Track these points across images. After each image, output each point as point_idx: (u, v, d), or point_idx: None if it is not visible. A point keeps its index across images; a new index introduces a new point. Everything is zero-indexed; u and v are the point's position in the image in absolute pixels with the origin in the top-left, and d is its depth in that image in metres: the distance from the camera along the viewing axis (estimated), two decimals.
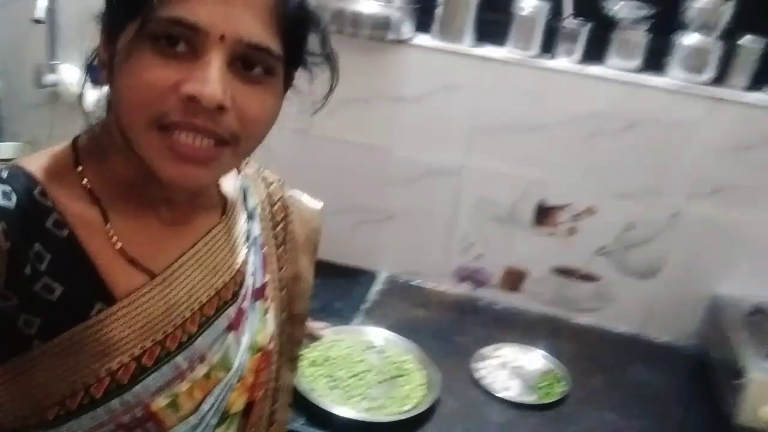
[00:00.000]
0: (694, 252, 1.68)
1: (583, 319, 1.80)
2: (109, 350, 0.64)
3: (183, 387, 0.69)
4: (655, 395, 1.53)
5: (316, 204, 0.95)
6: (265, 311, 0.82)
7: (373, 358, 1.47)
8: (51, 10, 1.75)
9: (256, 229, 0.83)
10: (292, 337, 0.91)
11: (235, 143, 0.64)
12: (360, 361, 1.45)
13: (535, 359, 1.59)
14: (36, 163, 0.67)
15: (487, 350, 1.59)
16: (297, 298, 0.90)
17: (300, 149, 1.82)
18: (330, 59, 0.74)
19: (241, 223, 0.81)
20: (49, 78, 1.83)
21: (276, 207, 0.88)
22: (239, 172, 0.84)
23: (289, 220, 0.89)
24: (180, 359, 0.69)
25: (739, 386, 1.36)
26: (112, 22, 0.64)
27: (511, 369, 1.55)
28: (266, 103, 0.65)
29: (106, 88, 0.69)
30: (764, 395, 1.34)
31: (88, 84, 1.75)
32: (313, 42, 0.71)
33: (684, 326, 1.73)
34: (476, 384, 1.48)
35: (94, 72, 1.87)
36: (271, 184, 0.89)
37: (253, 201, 0.84)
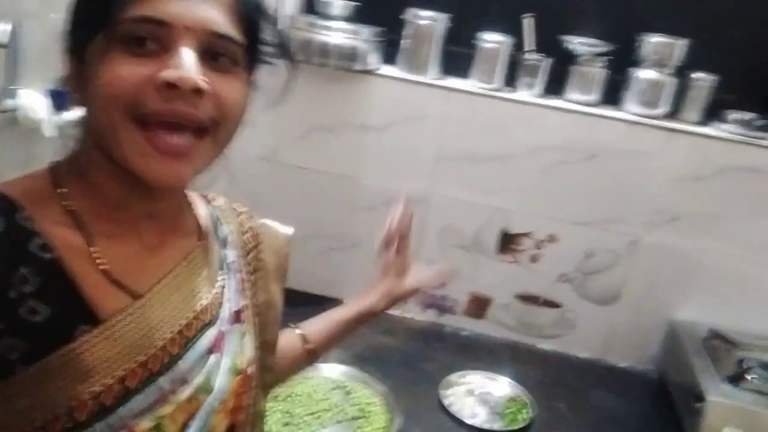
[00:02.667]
0: (652, 279, 1.73)
1: (547, 345, 1.83)
2: (93, 372, 0.64)
3: (167, 410, 0.69)
4: (617, 419, 1.56)
5: (287, 230, 0.96)
6: (243, 335, 0.82)
7: (338, 397, 1.46)
8: (14, 35, 1.72)
9: (231, 255, 0.84)
10: (264, 364, 0.90)
11: (214, 130, 0.66)
12: (322, 400, 1.44)
13: (500, 386, 1.61)
14: (16, 188, 0.66)
15: (453, 377, 1.60)
16: (268, 325, 0.90)
17: (266, 176, 1.83)
18: (285, 49, 0.77)
19: (216, 250, 0.82)
20: (9, 103, 1.79)
21: (246, 236, 0.89)
22: (209, 203, 0.86)
23: (260, 249, 0.90)
24: (163, 381, 0.69)
25: (699, 409, 1.40)
26: (78, 37, 0.66)
27: (478, 396, 1.56)
28: (238, 89, 0.68)
29: (76, 111, 0.69)
30: (723, 418, 1.38)
31: (50, 110, 1.72)
32: (270, 34, 0.74)
33: (643, 351, 1.77)
34: (444, 411, 1.49)
35: (56, 98, 1.83)
36: (241, 214, 0.91)
37: (226, 229, 0.86)
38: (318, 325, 1.08)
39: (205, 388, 0.73)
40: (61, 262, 0.64)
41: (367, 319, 1.10)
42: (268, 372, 0.91)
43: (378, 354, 1.64)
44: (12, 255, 0.62)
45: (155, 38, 0.62)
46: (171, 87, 0.61)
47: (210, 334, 0.75)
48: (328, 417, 1.40)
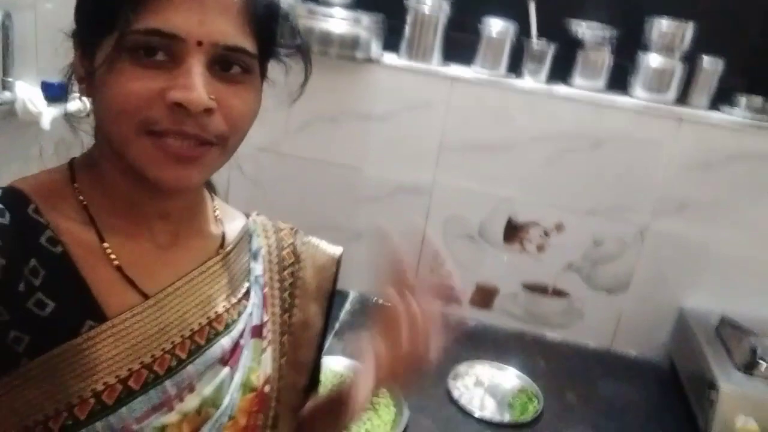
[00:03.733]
0: (660, 267, 1.71)
1: (554, 335, 1.81)
2: (95, 370, 0.63)
3: (172, 418, 0.67)
4: (627, 409, 1.55)
5: (334, 250, 0.91)
6: (263, 351, 0.79)
7: None
8: (5, 26, 1.69)
9: (258, 269, 0.82)
10: (294, 386, 0.86)
11: (222, 142, 0.66)
12: None
13: (508, 377, 1.59)
14: (29, 183, 0.67)
15: (461, 368, 1.58)
16: (303, 346, 0.87)
17: (268, 168, 1.80)
18: (302, 49, 0.75)
19: (244, 261, 0.80)
20: (4, 95, 1.76)
21: (285, 252, 0.86)
22: (248, 217, 0.85)
23: (299, 267, 0.87)
24: (168, 384, 0.67)
25: (712, 398, 1.38)
26: (87, 38, 0.65)
27: (487, 387, 1.54)
28: (248, 100, 0.67)
29: (79, 102, 0.70)
30: (736, 407, 1.36)
31: (46, 102, 1.68)
32: (284, 35, 0.72)
33: (652, 340, 1.75)
34: (452, 402, 1.47)
35: (51, 90, 1.80)
36: (282, 230, 0.88)
37: (258, 243, 0.84)
38: (309, 408, 0.89)
39: (214, 402, 0.71)
40: (71, 256, 0.64)
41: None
42: (300, 395, 0.87)
43: None
44: (23, 247, 0.62)
45: (166, 50, 0.61)
46: (180, 106, 0.61)
47: (223, 344, 0.73)
48: None
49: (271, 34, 0.69)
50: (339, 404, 0.81)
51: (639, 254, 1.71)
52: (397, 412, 1.40)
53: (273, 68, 0.73)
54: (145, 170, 0.63)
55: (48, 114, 1.67)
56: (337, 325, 1.70)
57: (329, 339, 1.63)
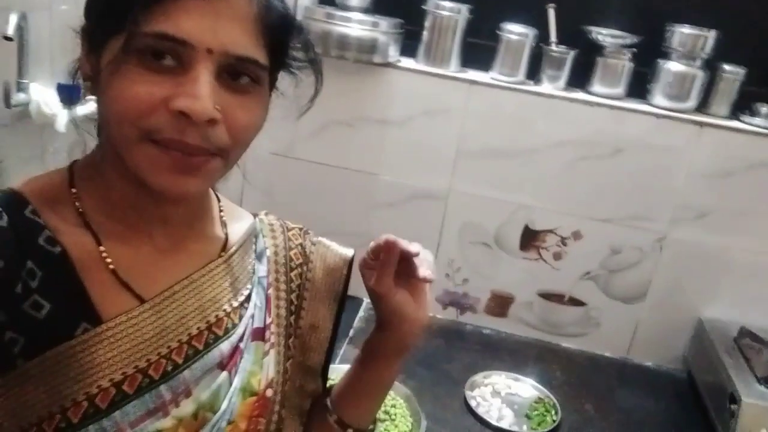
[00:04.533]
0: (679, 276, 1.69)
1: (571, 344, 1.80)
2: (89, 373, 0.62)
3: (167, 423, 0.66)
4: (647, 421, 1.53)
5: (345, 251, 0.88)
6: (264, 354, 0.78)
7: None
8: (21, 28, 1.67)
9: (262, 270, 0.81)
10: (302, 389, 0.85)
11: (224, 154, 0.64)
12: None
13: (526, 387, 1.57)
14: (29, 186, 0.67)
15: (478, 378, 1.57)
16: (312, 349, 0.85)
17: (281, 173, 1.79)
18: (314, 63, 0.73)
19: (248, 262, 0.79)
20: (19, 97, 1.75)
21: (292, 252, 0.84)
22: (255, 217, 0.83)
23: (308, 268, 0.85)
24: (163, 388, 0.66)
25: (734, 411, 1.37)
26: (95, 36, 0.64)
27: (504, 397, 1.52)
28: (254, 112, 0.65)
29: (89, 103, 0.67)
30: (759, 420, 1.34)
31: (61, 105, 1.67)
32: (297, 48, 0.71)
33: (670, 350, 1.74)
34: (469, 412, 1.45)
35: (66, 92, 1.79)
36: (291, 230, 0.86)
37: (264, 243, 0.82)
38: (340, 390, 0.86)
39: (211, 406, 0.69)
40: (68, 257, 0.63)
41: (384, 351, 0.83)
42: (308, 398, 0.86)
43: None
44: (21, 249, 0.61)
45: (174, 55, 0.60)
46: (183, 115, 0.59)
47: (222, 348, 0.71)
48: None
49: (283, 46, 0.68)
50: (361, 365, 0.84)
51: (657, 263, 1.69)
52: (414, 423, 1.38)
53: (283, 78, 0.72)
54: (145, 176, 0.62)
55: (63, 116, 1.66)
56: (351, 332, 1.68)
57: (343, 346, 1.61)
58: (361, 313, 1.78)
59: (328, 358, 0.86)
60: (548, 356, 1.74)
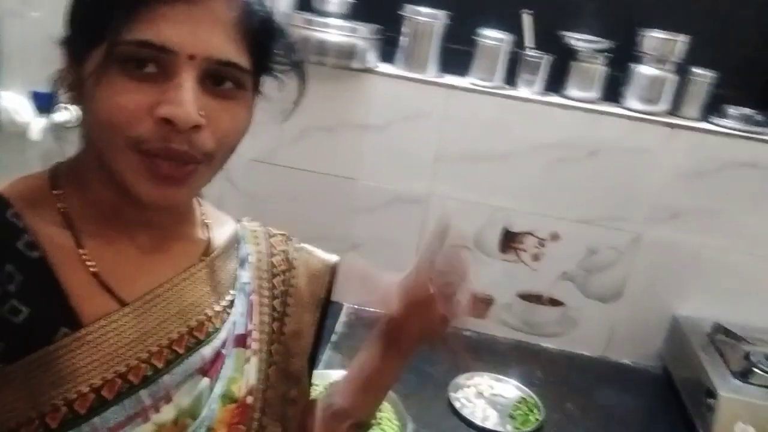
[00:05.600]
0: (653, 275, 1.73)
1: (550, 344, 1.83)
2: (68, 378, 0.62)
3: (147, 429, 0.66)
4: (627, 417, 1.57)
5: (329, 257, 0.89)
6: (246, 360, 0.78)
7: None
8: None
9: (245, 276, 0.81)
10: (284, 396, 0.84)
11: (209, 160, 0.65)
12: None
13: (508, 387, 1.59)
14: (11, 187, 0.66)
15: (461, 379, 1.58)
16: (295, 355, 0.85)
17: (263, 179, 1.78)
18: (297, 66, 0.74)
19: (231, 268, 0.79)
20: None
21: (276, 258, 0.85)
22: (238, 223, 0.83)
23: (291, 275, 0.85)
24: (143, 394, 0.66)
25: (711, 406, 1.40)
26: (76, 46, 0.64)
27: (488, 398, 1.54)
28: (239, 116, 0.66)
29: (66, 111, 0.70)
30: (735, 414, 1.38)
31: (34, 113, 1.64)
32: (280, 51, 0.72)
33: (647, 347, 1.78)
34: (455, 414, 1.47)
35: (42, 100, 1.76)
36: (273, 236, 0.87)
37: (247, 249, 0.82)
38: (343, 381, 0.89)
39: (191, 413, 0.69)
40: (47, 261, 0.63)
41: (396, 346, 0.87)
42: (292, 405, 0.85)
43: None
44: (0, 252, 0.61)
45: (157, 62, 0.60)
46: (169, 122, 0.60)
47: (204, 354, 0.71)
48: None
49: (266, 50, 0.69)
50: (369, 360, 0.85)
51: (633, 262, 1.73)
52: (400, 426, 1.39)
53: (266, 83, 0.72)
54: (130, 186, 0.63)
55: (37, 124, 1.63)
56: (334, 338, 1.69)
57: (326, 351, 1.62)
58: (343, 318, 1.78)
59: (311, 364, 0.87)
60: (529, 356, 1.76)
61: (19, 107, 1.70)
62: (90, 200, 0.68)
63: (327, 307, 0.87)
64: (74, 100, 0.65)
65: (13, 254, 0.61)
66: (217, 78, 0.63)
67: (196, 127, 0.61)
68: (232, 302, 0.76)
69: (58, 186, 0.68)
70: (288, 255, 0.85)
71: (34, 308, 0.61)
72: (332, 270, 0.88)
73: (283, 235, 0.88)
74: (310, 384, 0.88)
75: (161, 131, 0.60)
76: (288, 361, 0.84)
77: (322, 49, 1.65)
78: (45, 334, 0.61)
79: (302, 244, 0.88)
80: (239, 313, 0.77)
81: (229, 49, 0.62)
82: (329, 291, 0.88)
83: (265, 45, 0.68)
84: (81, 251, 0.65)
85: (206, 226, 0.78)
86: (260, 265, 0.83)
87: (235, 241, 0.81)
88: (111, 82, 0.59)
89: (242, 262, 0.81)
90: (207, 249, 0.76)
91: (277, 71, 0.72)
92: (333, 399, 0.86)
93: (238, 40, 0.63)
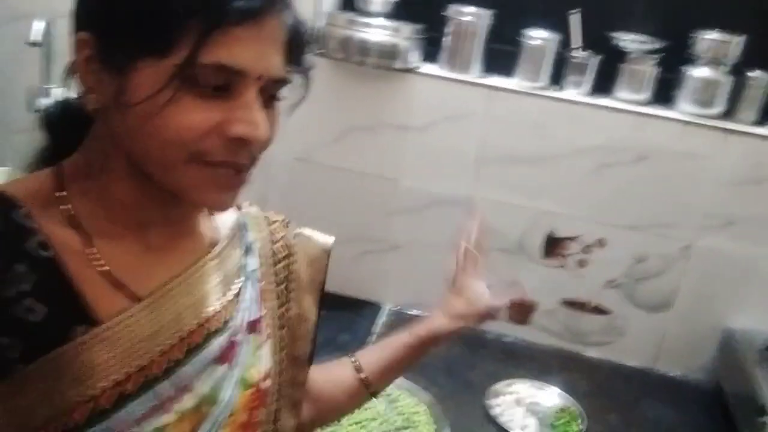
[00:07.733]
0: (705, 285, 1.66)
1: (594, 353, 1.77)
2: (89, 374, 0.62)
3: (170, 418, 0.67)
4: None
5: (325, 240, 0.91)
6: (259, 346, 0.79)
7: (382, 405, 1.40)
8: (47, 34, 1.69)
9: (253, 263, 0.82)
10: (294, 380, 0.87)
11: (254, 165, 0.68)
12: (367, 408, 1.37)
13: (549, 395, 1.55)
14: (18, 186, 0.67)
15: (499, 386, 1.55)
16: (299, 339, 0.87)
17: (303, 178, 1.78)
18: (308, 73, 0.75)
19: (237, 256, 0.80)
20: (43, 102, 1.76)
21: (277, 245, 0.86)
22: (239, 209, 0.84)
23: (292, 260, 0.87)
24: (166, 385, 0.67)
25: (763, 424, 1.33)
26: (115, 52, 0.61)
27: (527, 406, 1.50)
28: (276, 123, 0.69)
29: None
30: None
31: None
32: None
33: (696, 360, 1.71)
34: (491, 421, 1.43)
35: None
36: (274, 222, 0.88)
37: (251, 236, 0.83)
38: (374, 353, 1.00)
39: (211, 399, 0.71)
40: (59, 260, 0.63)
41: (432, 343, 1.00)
42: (299, 388, 0.88)
43: (420, 361, 1.58)
44: (8, 252, 0.61)
45: (225, 82, 0.62)
46: (242, 141, 0.63)
47: (218, 343, 0.72)
48: (373, 426, 1.34)
49: (299, 61, 0.71)
50: (402, 346, 0.98)
51: (683, 271, 1.67)
52: (437, 429, 1.36)
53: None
54: (187, 194, 0.66)
55: None
56: (373, 339, 1.67)
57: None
58: (383, 318, 1.77)
59: (313, 347, 0.89)
60: (571, 365, 1.71)
61: None
62: (102, 197, 0.68)
63: (324, 289, 0.90)
64: (94, 102, 0.63)
65: (26, 254, 0.62)
66: (268, 95, 0.66)
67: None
68: (241, 290, 0.78)
69: (67, 185, 0.67)
70: (288, 240, 0.88)
71: (48, 307, 0.61)
72: (329, 253, 0.91)
73: (281, 220, 0.89)
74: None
75: (231, 147, 0.63)
76: (294, 345, 0.87)
77: (365, 49, 1.64)
78: (62, 333, 0.62)
79: (300, 229, 0.90)
80: (250, 299, 0.79)
81: (282, 66, 0.66)
82: (326, 273, 0.91)
83: (300, 57, 0.71)
84: (91, 250, 0.66)
85: (210, 216, 0.79)
86: (264, 252, 0.84)
87: (237, 228, 0.82)
88: (180, 103, 0.60)
89: (248, 249, 0.82)
90: (213, 239, 0.78)
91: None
92: (359, 366, 0.96)
93: (285, 57, 0.66)
